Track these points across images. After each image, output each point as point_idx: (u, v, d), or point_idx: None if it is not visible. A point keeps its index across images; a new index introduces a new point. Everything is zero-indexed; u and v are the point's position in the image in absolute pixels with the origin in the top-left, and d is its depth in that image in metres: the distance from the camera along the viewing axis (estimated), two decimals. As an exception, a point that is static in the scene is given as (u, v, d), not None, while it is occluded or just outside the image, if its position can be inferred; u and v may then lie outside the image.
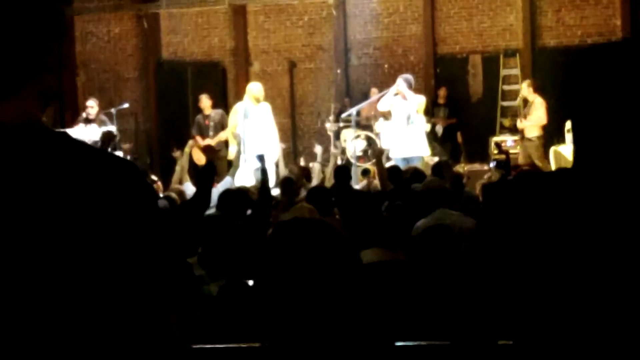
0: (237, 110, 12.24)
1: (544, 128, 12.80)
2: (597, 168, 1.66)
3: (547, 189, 1.68)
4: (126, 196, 1.49)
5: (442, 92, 14.63)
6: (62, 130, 1.56)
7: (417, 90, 12.46)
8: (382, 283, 4.26)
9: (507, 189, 1.75)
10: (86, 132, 12.49)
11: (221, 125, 13.09)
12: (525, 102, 13.08)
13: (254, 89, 12.17)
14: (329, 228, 1.81)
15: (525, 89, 13.01)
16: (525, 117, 12.86)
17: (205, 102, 13.39)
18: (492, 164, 11.75)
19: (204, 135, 13.23)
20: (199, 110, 13.64)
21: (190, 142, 13.36)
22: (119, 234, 1.46)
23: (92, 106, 12.95)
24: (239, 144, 12.06)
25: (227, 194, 7.30)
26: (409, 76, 12.28)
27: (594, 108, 1.66)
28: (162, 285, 1.53)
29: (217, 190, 7.70)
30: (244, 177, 11.37)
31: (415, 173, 8.71)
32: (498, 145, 13.56)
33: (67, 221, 1.43)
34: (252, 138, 11.89)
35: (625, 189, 1.62)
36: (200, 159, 13.04)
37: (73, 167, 1.47)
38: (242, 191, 7.67)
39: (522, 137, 12.97)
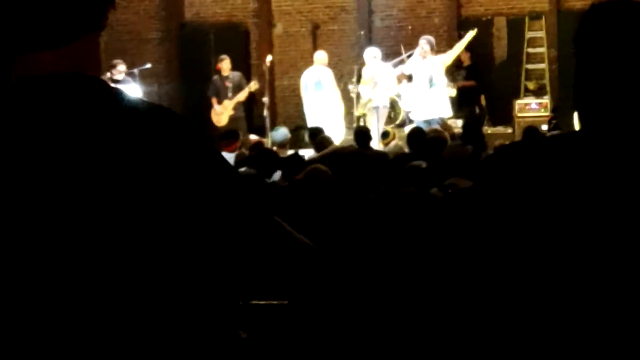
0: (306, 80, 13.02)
1: None
2: (602, 131, 1.59)
3: (550, 152, 1.61)
4: (177, 147, 1.47)
5: (464, 55, 14.44)
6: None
7: (440, 52, 12.42)
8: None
9: (513, 151, 1.70)
10: None
11: (239, 87, 13.15)
12: None
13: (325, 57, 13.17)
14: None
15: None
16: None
17: (226, 63, 13.42)
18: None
19: (222, 97, 13.24)
20: (216, 72, 13.65)
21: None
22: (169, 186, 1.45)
23: (122, 70, 13.03)
24: None
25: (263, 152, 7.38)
26: (431, 37, 12.26)
27: (600, 67, 1.60)
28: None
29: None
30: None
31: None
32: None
33: (121, 173, 1.43)
34: (327, 105, 12.75)
35: (632, 152, 1.55)
36: (218, 121, 13.09)
37: (128, 120, 1.47)
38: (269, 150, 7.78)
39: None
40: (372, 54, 12.97)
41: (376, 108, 12.65)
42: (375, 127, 12.05)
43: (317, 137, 9.80)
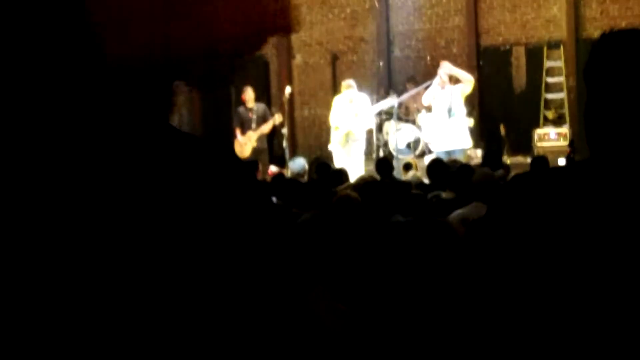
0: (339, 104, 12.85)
1: None
2: (612, 160, 1.60)
3: (561, 182, 1.63)
4: (235, 191, 1.53)
5: None
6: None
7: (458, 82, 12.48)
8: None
9: (521, 182, 1.70)
10: None
11: (263, 119, 13.21)
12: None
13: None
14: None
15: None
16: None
17: (250, 94, 13.47)
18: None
19: (246, 128, 13.30)
20: (241, 103, 13.75)
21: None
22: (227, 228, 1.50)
23: None
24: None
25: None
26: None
27: (609, 96, 1.61)
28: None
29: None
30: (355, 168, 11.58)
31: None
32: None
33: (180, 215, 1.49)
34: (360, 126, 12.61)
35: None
36: (241, 152, 13.15)
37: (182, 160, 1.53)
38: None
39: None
40: (344, 84, 12.97)
41: (355, 140, 12.65)
42: (355, 158, 12.14)
43: (324, 171, 9.76)
